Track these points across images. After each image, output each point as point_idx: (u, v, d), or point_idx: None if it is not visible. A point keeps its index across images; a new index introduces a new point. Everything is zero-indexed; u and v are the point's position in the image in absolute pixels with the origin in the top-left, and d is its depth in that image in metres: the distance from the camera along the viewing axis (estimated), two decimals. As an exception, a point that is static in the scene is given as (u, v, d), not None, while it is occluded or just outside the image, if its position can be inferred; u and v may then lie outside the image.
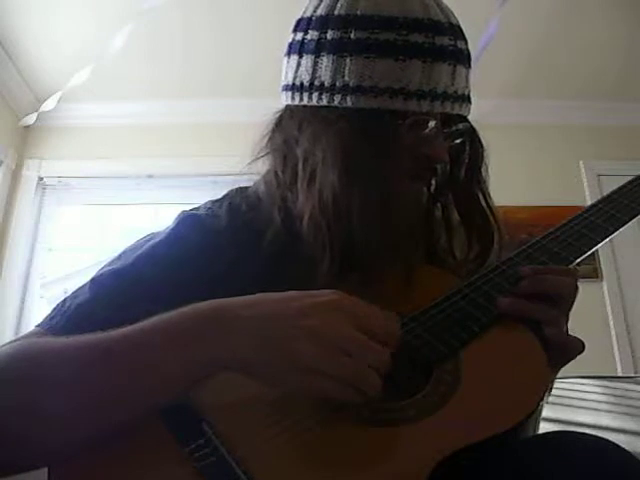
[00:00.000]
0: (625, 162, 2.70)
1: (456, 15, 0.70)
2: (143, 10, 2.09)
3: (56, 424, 0.48)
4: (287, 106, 0.71)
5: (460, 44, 0.66)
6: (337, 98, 0.64)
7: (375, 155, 0.64)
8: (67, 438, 0.49)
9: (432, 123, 0.65)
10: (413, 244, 0.68)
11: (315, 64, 0.65)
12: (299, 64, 0.67)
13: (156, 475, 0.48)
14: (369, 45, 0.63)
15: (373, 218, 0.63)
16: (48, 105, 2.54)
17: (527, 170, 2.68)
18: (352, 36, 0.64)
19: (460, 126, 0.70)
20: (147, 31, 2.32)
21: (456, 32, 0.66)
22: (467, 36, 0.69)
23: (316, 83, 0.65)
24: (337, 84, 0.64)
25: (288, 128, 0.69)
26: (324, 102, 0.65)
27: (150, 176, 2.93)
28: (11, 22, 2.49)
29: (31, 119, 2.69)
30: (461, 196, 0.72)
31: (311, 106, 0.66)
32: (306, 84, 0.66)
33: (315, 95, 0.66)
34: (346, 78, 0.64)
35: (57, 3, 2.42)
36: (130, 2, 2.22)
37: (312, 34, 0.66)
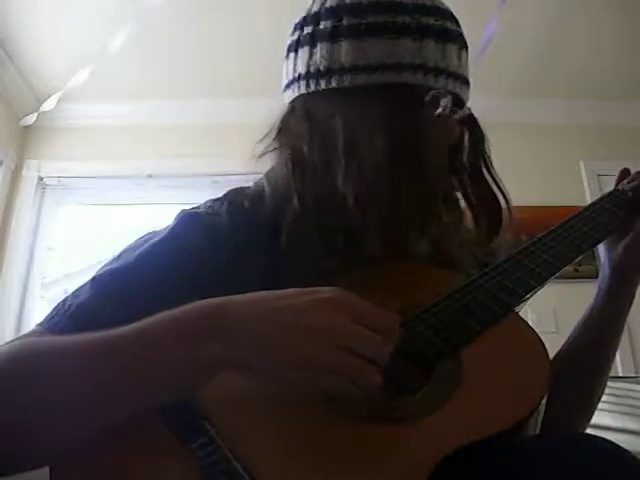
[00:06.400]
0: (625, 162, 2.69)
1: (456, 15, 0.73)
2: (144, 10, 2.09)
3: (57, 421, 0.48)
4: (294, 100, 0.71)
5: (463, 31, 0.72)
6: (362, 77, 0.66)
7: (416, 127, 0.67)
8: (69, 435, 0.49)
9: (446, 100, 0.68)
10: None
11: (333, 49, 0.67)
12: (312, 53, 0.69)
13: (158, 474, 0.48)
14: (387, 27, 0.67)
15: (419, 192, 0.67)
16: (48, 105, 2.53)
17: (527, 170, 2.67)
18: (370, 20, 0.67)
19: (461, 111, 0.71)
20: (148, 31, 2.32)
21: (455, 19, 0.72)
22: (467, 36, 0.73)
23: (335, 67, 0.67)
24: (360, 64, 0.66)
25: (301, 118, 0.69)
26: (356, 82, 0.67)
27: (150, 176, 2.92)
28: (11, 22, 2.48)
29: (31, 119, 2.68)
30: (467, 179, 0.74)
31: (332, 89, 0.67)
32: (323, 70, 0.68)
33: (335, 78, 0.67)
34: (370, 57, 0.66)
35: (57, 3, 2.42)
36: (130, 2, 2.22)
37: (326, 23, 0.68)
